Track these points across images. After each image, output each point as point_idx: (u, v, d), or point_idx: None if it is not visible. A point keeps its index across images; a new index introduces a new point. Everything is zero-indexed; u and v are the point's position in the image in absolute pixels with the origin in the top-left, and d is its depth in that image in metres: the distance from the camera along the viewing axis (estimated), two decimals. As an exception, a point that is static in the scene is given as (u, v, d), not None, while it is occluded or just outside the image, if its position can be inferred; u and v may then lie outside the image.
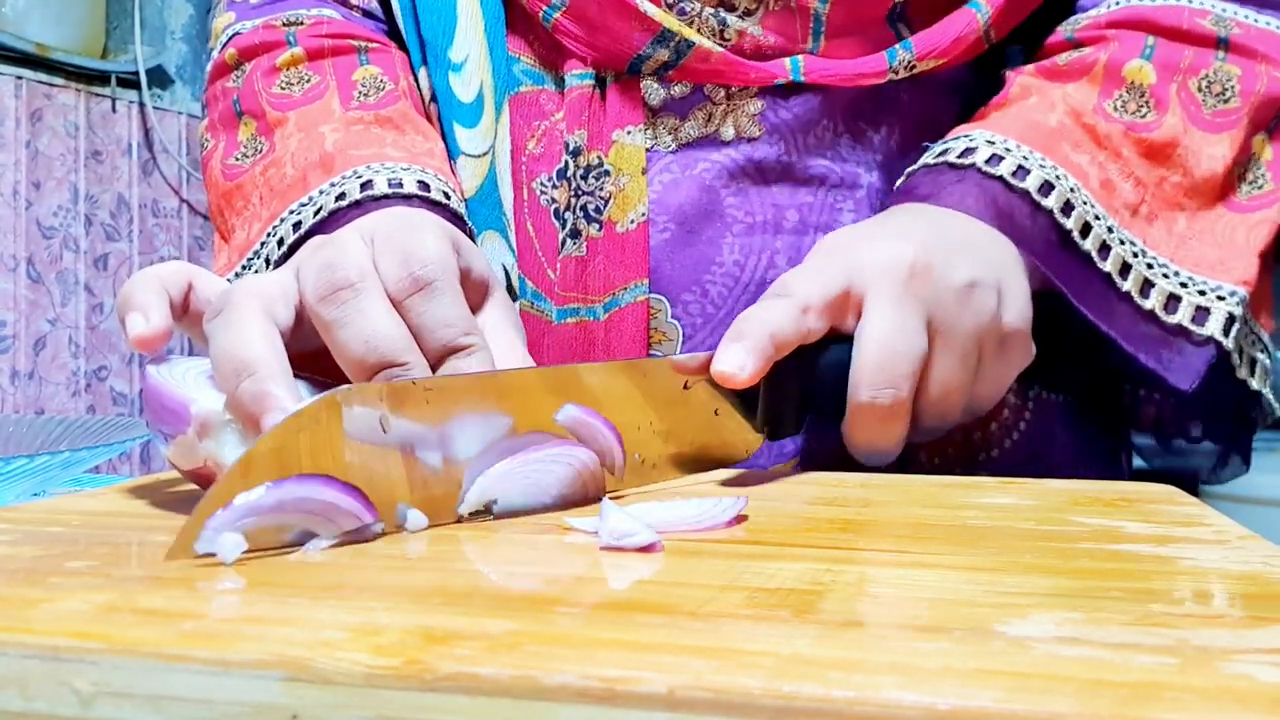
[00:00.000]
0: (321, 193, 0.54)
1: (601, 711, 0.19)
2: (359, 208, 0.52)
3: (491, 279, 0.46)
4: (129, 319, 0.40)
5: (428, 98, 0.60)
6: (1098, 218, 0.50)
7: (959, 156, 0.50)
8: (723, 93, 0.54)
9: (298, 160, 0.56)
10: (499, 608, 0.24)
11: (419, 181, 0.54)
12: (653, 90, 0.55)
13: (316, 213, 0.53)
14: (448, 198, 0.55)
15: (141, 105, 2.06)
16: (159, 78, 2.11)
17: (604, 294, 0.54)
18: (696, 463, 0.43)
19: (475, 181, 0.58)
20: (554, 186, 0.55)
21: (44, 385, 1.91)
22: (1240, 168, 0.53)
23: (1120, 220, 0.50)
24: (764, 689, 0.19)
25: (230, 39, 0.62)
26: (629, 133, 0.54)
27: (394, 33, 0.63)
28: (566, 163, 0.55)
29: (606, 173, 0.54)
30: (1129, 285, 0.50)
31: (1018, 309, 0.47)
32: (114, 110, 2.03)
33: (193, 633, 0.22)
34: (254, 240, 0.56)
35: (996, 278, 0.46)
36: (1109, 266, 0.50)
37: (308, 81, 0.59)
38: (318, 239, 0.44)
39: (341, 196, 0.53)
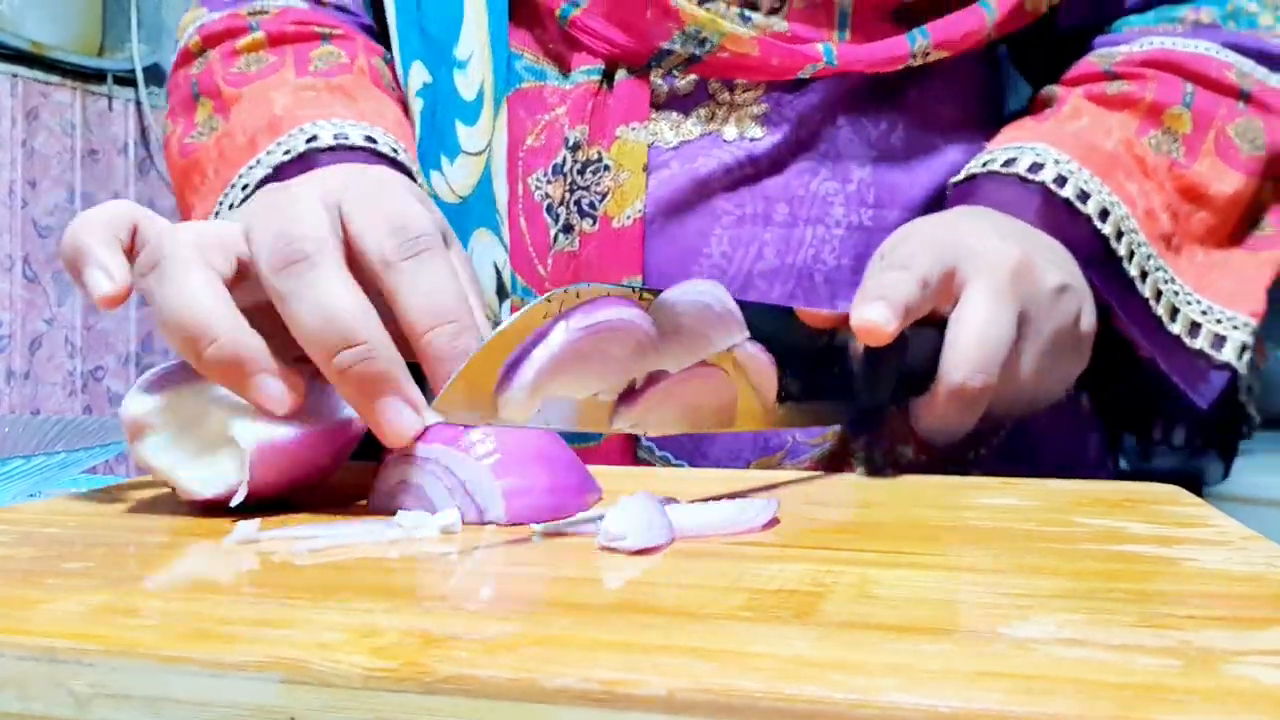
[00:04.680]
0: (269, 153, 0.54)
1: (601, 714, 0.19)
2: (304, 160, 0.52)
3: (449, 232, 0.44)
4: (90, 276, 0.38)
5: (412, 93, 0.60)
6: (1140, 245, 0.53)
7: (1028, 170, 0.53)
8: (727, 92, 0.55)
9: (247, 127, 0.56)
10: (497, 609, 0.24)
11: (365, 136, 0.54)
12: (659, 86, 0.55)
13: (264, 172, 0.53)
14: (395, 152, 0.55)
15: (138, 103, 2.06)
16: (155, 76, 2.11)
17: None
18: (807, 417, 0.45)
19: (471, 180, 0.58)
20: (549, 182, 0.55)
21: (40, 385, 1.90)
22: (1253, 212, 0.57)
23: (1158, 249, 0.54)
24: (765, 691, 0.19)
25: (197, 29, 0.63)
26: (634, 129, 0.54)
27: (381, 33, 0.63)
28: (564, 158, 0.55)
29: (606, 168, 0.54)
30: (1160, 310, 0.54)
31: (1091, 317, 0.50)
32: (110, 109, 2.02)
33: (190, 634, 0.22)
34: (209, 211, 0.56)
35: (1081, 286, 0.50)
36: (1147, 291, 0.53)
37: (265, 62, 0.60)
38: (271, 187, 0.42)
39: (288, 152, 0.53)
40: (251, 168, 0.54)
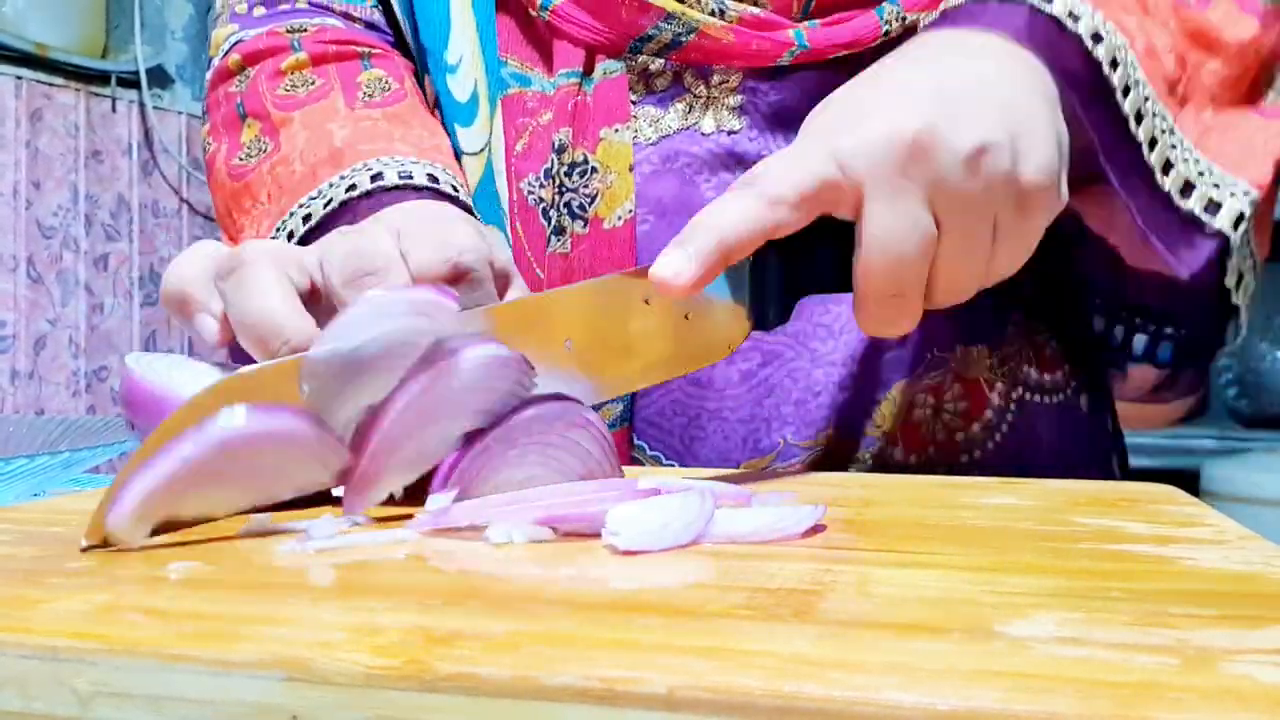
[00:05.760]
0: (331, 185, 0.55)
1: (601, 712, 0.19)
2: (369, 198, 0.53)
3: (512, 269, 0.47)
4: (200, 323, 0.41)
5: (432, 104, 0.61)
6: (1138, 82, 0.47)
7: None
8: (703, 85, 0.55)
9: (306, 157, 0.57)
10: (499, 608, 0.24)
11: (428, 174, 0.55)
12: (635, 82, 0.55)
13: (327, 204, 0.54)
14: (456, 190, 0.55)
15: (141, 105, 2.06)
16: (159, 77, 2.11)
17: None
18: (672, 366, 0.43)
19: (473, 179, 0.59)
20: (541, 186, 0.56)
21: (44, 385, 1.91)
22: (1268, 73, 0.52)
23: (1158, 91, 0.48)
24: (764, 689, 0.19)
25: (234, 45, 0.63)
26: (616, 130, 0.54)
27: (401, 47, 0.64)
28: (552, 161, 0.55)
29: (594, 170, 0.54)
30: (1154, 160, 0.47)
31: (1038, 160, 0.41)
32: (114, 110, 2.02)
33: (192, 633, 0.22)
34: (264, 236, 0.57)
35: (1011, 131, 0.41)
36: (1142, 135, 0.47)
37: (312, 84, 0.60)
38: (342, 227, 0.44)
39: (352, 188, 0.54)
40: (313, 198, 0.55)
